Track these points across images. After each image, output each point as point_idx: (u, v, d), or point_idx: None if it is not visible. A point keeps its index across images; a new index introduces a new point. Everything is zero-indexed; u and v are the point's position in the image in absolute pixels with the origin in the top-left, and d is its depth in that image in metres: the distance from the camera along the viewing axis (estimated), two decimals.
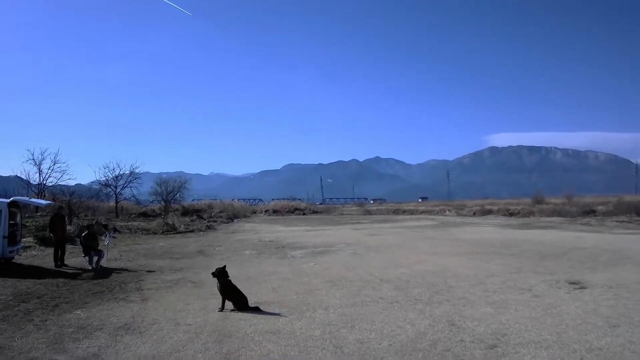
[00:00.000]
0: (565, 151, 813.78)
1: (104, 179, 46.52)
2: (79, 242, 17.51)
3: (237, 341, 6.60)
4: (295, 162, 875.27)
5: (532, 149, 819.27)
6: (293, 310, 8.37)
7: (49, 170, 37.89)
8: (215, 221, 42.08)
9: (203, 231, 31.78)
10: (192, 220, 39.24)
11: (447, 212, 56.09)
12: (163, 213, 45.66)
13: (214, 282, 8.78)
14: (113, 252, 17.34)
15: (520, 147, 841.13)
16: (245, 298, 8.54)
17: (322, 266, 14.17)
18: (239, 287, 8.85)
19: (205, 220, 41.67)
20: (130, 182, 47.35)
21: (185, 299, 9.56)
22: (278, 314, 8.11)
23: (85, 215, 32.96)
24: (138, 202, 51.31)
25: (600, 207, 43.42)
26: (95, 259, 14.10)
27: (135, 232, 28.84)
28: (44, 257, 16.06)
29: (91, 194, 44.27)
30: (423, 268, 13.28)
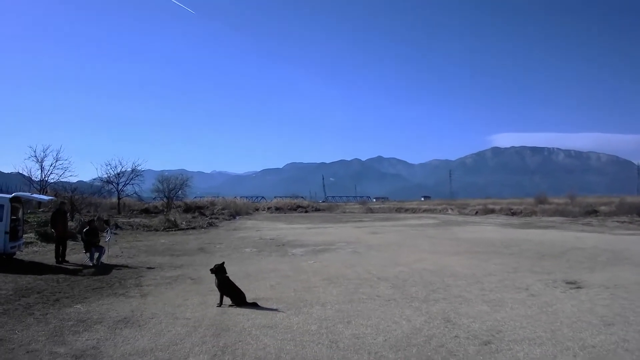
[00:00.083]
0: (567, 152, 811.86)
1: (106, 176, 46.64)
2: (80, 238, 17.62)
3: (234, 335, 6.68)
4: (297, 161, 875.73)
5: (534, 150, 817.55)
6: (290, 306, 8.45)
7: (51, 167, 37.96)
8: (217, 218, 42.19)
9: (205, 228, 31.86)
10: (193, 217, 39.38)
11: (450, 211, 56.07)
12: (165, 210, 45.82)
13: (213, 279, 8.85)
14: (114, 248, 17.44)
15: (523, 147, 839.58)
16: (243, 294, 8.62)
17: (322, 264, 14.24)
18: (238, 283, 8.95)
19: (207, 217, 41.79)
20: (132, 179, 47.47)
21: (184, 295, 9.65)
22: (276, 310, 8.19)
23: (87, 212, 33.11)
24: (140, 198, 51.43)
25: (602, 208, 43.35)
26: (96, 255, 14.18)
27: (137, 228, 28.97)
28: (45, 253, 16.17)
29: (93, 190, 44.41)
30: (422, 266, 13.33)
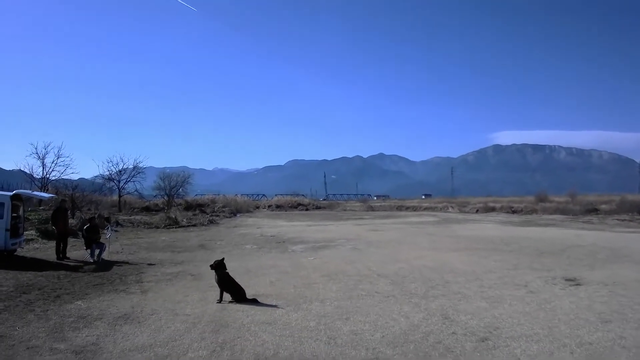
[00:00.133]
0: (569, 150, 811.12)
1: (107, 173, 46.67)
2: (81, 235, 17.67)
3: (233, 331, 6.72)
4: (299, 158, 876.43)
5: (536, 148, 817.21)
6: (290, 303, 8.48)
7: (53, 164, 37.97)
8: (217, 216, 42.28)
9: (205, 225, 31.94)
10: (194, 215, 39.45)
11: (450, 209, 56.09)
12: (166, 207, 45.88)
13: (214, 275, 8.89)
14: (115, 245, 17.50)
15: (524, 145, 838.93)
16: (243, 290, 8.66)
17: (322, 260, 14.28)
18: (238, 280, 8.98)
19: (207, 214, 41.88)
20: (133, 176, 47.49)
21: (184, 291, 9.69)
22: (275, 306, 8.23)
23: (88, 209, 33.12)
24: (141, 196, 51.43)
25: (603, 206, 43.36)
26: (96, 251, 14.23)
27: (138, 226, 29.04)
28: (46, 250, 16.24)
29: (94, 188, 44.43)
30: (421, 263, 13.37)
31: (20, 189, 26.42)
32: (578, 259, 14.24)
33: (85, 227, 15.25)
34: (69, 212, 19.67)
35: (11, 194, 14.42)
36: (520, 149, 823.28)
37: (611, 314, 7.64)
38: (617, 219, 34.05)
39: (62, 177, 38.73)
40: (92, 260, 13.98)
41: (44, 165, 37.73)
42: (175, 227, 29.37)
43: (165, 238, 22.45)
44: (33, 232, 19.45)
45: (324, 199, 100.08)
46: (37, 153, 37.52)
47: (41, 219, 22.55)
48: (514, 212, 46.92)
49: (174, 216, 33.13)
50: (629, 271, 11.92)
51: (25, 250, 15.91)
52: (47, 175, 37.84)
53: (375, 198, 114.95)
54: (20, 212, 15.26)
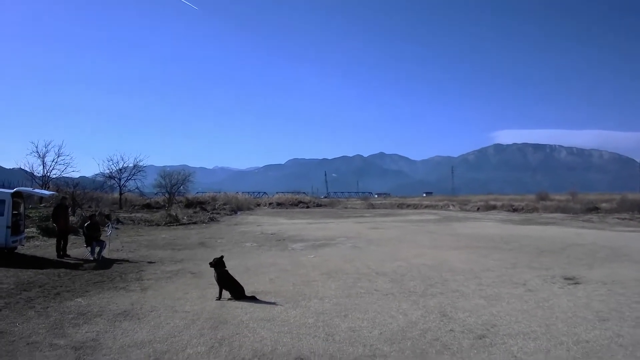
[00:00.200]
0: (569, 149, 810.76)
1: (108, 171, 46.75)
2: (81, 233, 17.72)
3: (232, 328, 6.76)
4: (299, 157, 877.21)
5: (536, 147, 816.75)
6: (289, 300, 8.52)
7: (53, 163, 38.10)
8: (218, 213, 42.33)
9: (206, 223, 31.99)
10: (195, 212, 39.51)
11: (451, 207, 56.13)
12: (166, 205, 45.95)
13: (213, 273, 8.92)
14: (115, 243, 17.54)
15: (525, 144, 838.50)
16: (242, 288, 8.70)
17: (321, 258, 14.31)
18: (237, 277, 9.02)
19: (208, 212, 41.92)
20: (134, 174, 47.59)
21: (184, 289, 9.72)
22: (274, 303, 8.26)
23: (89, 207, 33.19)
24: (142, 194, 51.56)
25: (603, 205, 43.33)
26: (97, 249, 14.26)
27: (138, 223, 29.09)
28: (47, 248, 16.28)
29: (95, 185, 44.51)
30: (420, 261, 13.39)
31: (21, 187, 26.45)
32: (577, 257, 14.25)
33: (85, 224, 15.29)
34: (69, 209, 19.72)
35: (12, 191, 14.44)
36: (521, 148, 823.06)
37: (609, 312, 7.66)
38: (617, 218, 34.04)
39: (63, 176, 38.86)
40: (92, 258, 14.01)
41: (44, 164, 37.85)
42: (176, 225, 29.42)
43: (165, 236, 22.48)
44: (34, 229, 19.49)
45: (325, 197, 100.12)
46: (37, 151, 37.64)
47: (42, 216, 22.60)
48: (514, 210, 46.93)
49: (174, 214, 33.18)
50: (628, 270, 11.93)
51: (26, 248, 15.94)
52: (48, 174, 37.95)
53: (376, 196, 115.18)
54: (21, 209, 15.27)
